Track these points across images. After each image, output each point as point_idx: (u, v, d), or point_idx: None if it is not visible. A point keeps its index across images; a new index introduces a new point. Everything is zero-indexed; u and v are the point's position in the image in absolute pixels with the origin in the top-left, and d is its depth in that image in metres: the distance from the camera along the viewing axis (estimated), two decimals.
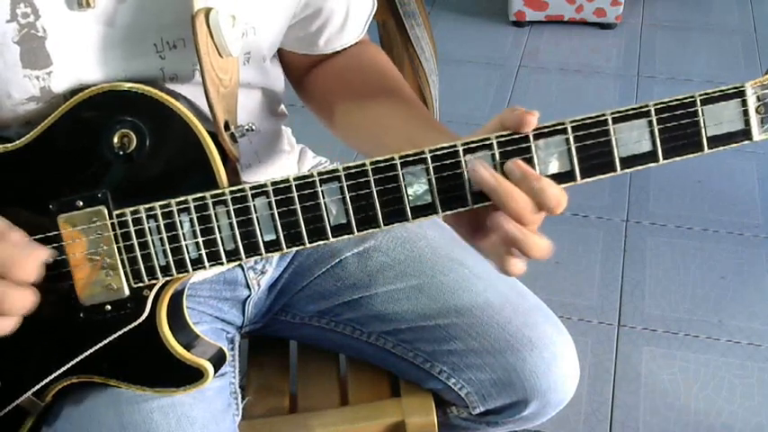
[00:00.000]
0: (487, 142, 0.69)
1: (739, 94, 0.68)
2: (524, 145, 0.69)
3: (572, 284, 1.98)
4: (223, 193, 0.71)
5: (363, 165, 0.70)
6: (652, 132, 0.68)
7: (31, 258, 0.70)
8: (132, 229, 0.73)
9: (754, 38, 2.94)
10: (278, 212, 0.71)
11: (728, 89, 0.68)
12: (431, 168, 0.69)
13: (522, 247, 0.69)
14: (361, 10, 0.97)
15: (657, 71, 2.77)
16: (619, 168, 0.69)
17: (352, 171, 0.70)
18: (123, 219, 0.73)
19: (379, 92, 0.94)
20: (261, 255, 0.73)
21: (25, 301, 0.70)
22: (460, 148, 0.69)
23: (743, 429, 1.63)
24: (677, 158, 0.69)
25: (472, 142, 0.69)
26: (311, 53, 0.98)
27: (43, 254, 0.72)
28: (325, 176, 0.70)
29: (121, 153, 0.73)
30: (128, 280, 0.74)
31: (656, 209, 2.20)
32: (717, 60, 2.83)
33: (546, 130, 0.68)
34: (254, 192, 0.71)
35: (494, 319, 0.98)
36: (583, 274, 2.01)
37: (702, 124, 0.68)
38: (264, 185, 0.71)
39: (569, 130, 0.68)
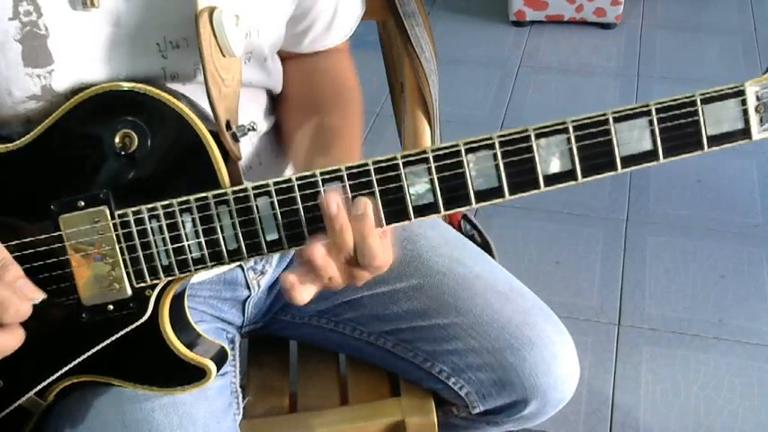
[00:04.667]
0: (489, 142, 0.69)
1: (739, 93, 0.68)
2: (526, 144, 0.69)
3: (572, 284, 1.98)
4: (225, 193, 0.72)
5: (366, 164, 0.70)
6: (653, 132, 0.68)
7: (26, 302, 0.71)
8: (134, 229, 0.73)
9: (754, 38, 2.94)
10: (280, 212, 0.71)
11: (728, 89, 0.68)
12: (433, 168, 0.70)
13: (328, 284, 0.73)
14: (348, 13, 0.97)
15: (657, 71, 2.77)
16: (620, 167, 0.69)
17: (355, 171, 0.70)
18: (125, 219, 0.73)
19: (321, 105, 0.95)
20: (263, 254, 0.73)
21: (12, 343, 0.71)
22: (462, 148, 0.69)
23: (743, 429, 1.63)
24: (677, 157, 0.69)
25: (474, 141, 0.69)
26: (294, 51, 0.99)
27: (37, 296, 0.72)
28: (327, 176, 0.71)
29: (123, 153, 0.73)
30: (130, 280, 0.75)
31: (656, 209, 2.20)
32: (717, 60, 2.83)
33: (547, 129, 0.69)
34: (256, 191, 0.71)
35: (494, 318, 0.98)
36: (583, 274, 2.01)
37: (702, 123, 0.68)
38: (267, 185, 0.71)
39: (570, 129, 0.68)
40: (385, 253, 0.73)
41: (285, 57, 1.00)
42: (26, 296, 0.71)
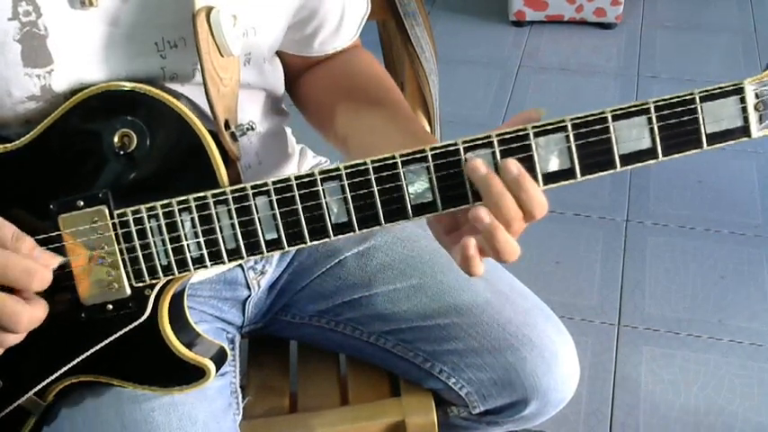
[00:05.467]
0: (488, 140, 0.69)
1: (738, 91, 0.68)
2: (525, 143, 0.69)
3: (572, 284, 1.98)
4: (224, 193, 0.72)
5: (364, 163, 0.70)
6: (652, 129, 0.68)
7: (48, 269, 0.71)
8: (133, 228, 0.73)
9: (754, 38, 2.94)
10: (279, 211, 0.71)
11: (727, 86, 0.68)
12: (431, 167, 0.70)
13: (497, 247, 0.69)
14: (356, 12, 0.97)
15: (657, 71, 2.78)
16: (619, 165, 0.69)
17: (353, 170, 0.70)
18: (124, 218, 0.73)
19: (371, 101, 0.94)
20: (262, 254, 0.73)
21: (38, 315, 0.71)
22: (461, 147, 0.69)
23: (743, 429, 1.63)
24: (676, 155, 0.69)
25: (473, 140, 0.69)
26: (306, 55, 0.98)
27: (56, 261, 0.72)
28: (326, 175, 0.70)
29: (122, 152, 0.73)
30: (129, 279, 0.75)
31: (656, 209, 2.20)
32: (717, 60, 2.83)
33: (546, 127, 0.69)
34: (255, 191, 0.71)
35: (494, 318, 0.98)
36: (583, 274, 2.01)
37: (701, 121, 0.68)
38: (265, 184, 0.71)
39: (569, 127, 0.68)
40: (546, 203, 0.70)
41: (304, 66, 1.00)
42: (47, 263, 0.71)
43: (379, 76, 0.99)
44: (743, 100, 0.68)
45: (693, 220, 2.16)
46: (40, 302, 0.72)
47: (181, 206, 0.72)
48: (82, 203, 0.73)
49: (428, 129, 1.18)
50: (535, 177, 0.69)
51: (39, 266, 0.70)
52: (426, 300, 1.00)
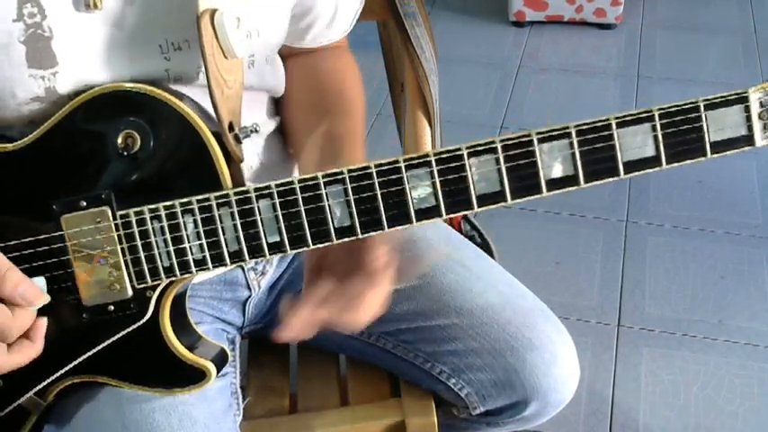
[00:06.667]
0: (492, 146, 0.69)
1: (742, 99, 0.68)
2: (529, 149, 0.69)
3: (572, 284, 1.98)
4: (227, 195, 0.72)
5: (368, 167, 0.70)
6: (656, 137, 0.68)
7: (28, 315, 0.72)
8: (136, 229, 0.73)
9: (754, 38, 2.94)
10: (282, 214, 0.71)
11: (731, 95, 0.68)
12: (435, 171, 0.70)
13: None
14: (349, 9, 0.98)
15: (657, 71, 2.77)
16: (622, 173, 0.69)
17: (357, 174, 0.70)
18: (127, 219, 0.73)
19: (322, 102, 0.96)
20: (264, 256, 0.73)
21: (21, 360, 0.73)
22: (465, 152, 0.69)
23: (743, 429, 1.63)
24: (680, 163, 0.69)
25: (477, 145, 0.69)
26: (296, 47, 0.99)
27: (39, 302, 0.73)
28: (329, 179, 0.70)
29: (125, 153, 0.73)
30: (131, 280, 0.75)
31: (656, 209, 2.20)
32: (717, 61, 2.83)
33: (550, 133, 0.69)
34: (258, 193, 0.71)
35: (494, 319, 0.98)
36: (583, 274, 2.01)
37: (705, 130, 0.68)
38: (269, 187, 0.71)
39: (573, 134, 0.68)
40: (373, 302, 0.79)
41: (286, 54, 1.00)
42: (29, 302, 0.71)
43: (343, 84, 1.00)
44: (747, 109, 0.68)
45: (693, 220, 2.16)
46: (22, 347, 0.73)
47: (184, 208, 0.72)
48: (85, 204, 0.73)
49: (428, 129, 1.18)
50: (538, 183, 0.69)
51: (12, 323, 0.71)
52: (426, 301, 1.00)
